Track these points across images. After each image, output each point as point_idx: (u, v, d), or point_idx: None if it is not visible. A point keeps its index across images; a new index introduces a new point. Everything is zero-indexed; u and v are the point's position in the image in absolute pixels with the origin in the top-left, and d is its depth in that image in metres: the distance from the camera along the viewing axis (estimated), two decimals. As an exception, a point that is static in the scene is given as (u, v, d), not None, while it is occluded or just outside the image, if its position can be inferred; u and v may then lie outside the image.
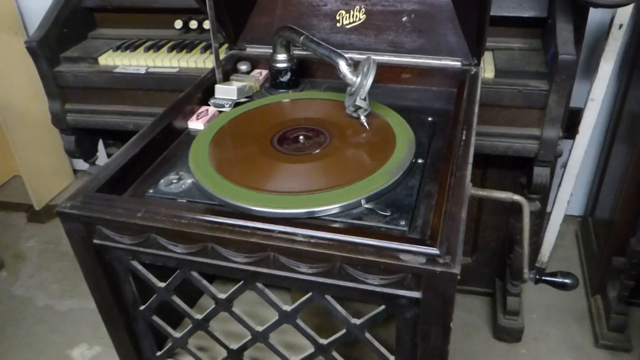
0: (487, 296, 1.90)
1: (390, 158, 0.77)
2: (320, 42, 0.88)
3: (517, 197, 0.84)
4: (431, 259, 0.58)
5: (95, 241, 0.71)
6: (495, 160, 1.54)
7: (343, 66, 0.83)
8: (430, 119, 0.89)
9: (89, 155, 1.78)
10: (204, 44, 1.58)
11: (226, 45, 1.19)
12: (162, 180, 0.78)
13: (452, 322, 0.60)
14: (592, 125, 1.65)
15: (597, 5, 1.20)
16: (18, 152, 2.21)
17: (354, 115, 0.84)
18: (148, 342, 0.83)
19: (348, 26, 1.01)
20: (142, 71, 1.51)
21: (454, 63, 0.98)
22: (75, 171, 2.57)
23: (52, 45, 1.55)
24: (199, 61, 1.49)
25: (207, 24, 1.57)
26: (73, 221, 0.70)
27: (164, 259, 0.70)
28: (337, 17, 1.01)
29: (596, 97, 1.60)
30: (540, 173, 1.38)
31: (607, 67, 1.55)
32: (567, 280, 0.73)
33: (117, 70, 1.53)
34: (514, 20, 1.36)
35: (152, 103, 1.54)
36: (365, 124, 0.84)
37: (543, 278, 0.78)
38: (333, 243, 0.60)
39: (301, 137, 0.83)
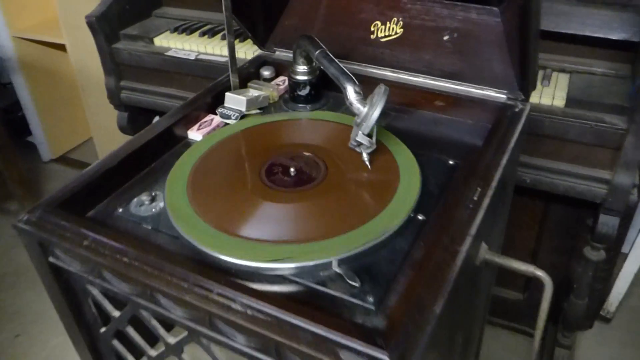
0: (537, 338, 1.71)
1: (384, 210, 0.66)
2: (334, 59, 0.77)
3: (539, 273, 0.69)
4: (375, 365, 0.47)
5: (50, 260, 0.67)
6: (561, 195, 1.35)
7: (350, 92, 0.72)
8: (451, 162, 0.76)
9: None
10: (258, 33, 1.50)
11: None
12: (134, 199, 0.72)
13: None
14: (689, 168, 1.40)
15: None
16: (91, 115, 2.28)
17: (357, 149, 0.73)
18: (111, 363, 0.79)
19: (383, 39, 0.89)
20: (192, 57, 1.47)
21: (498, 95, 0.83)
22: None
23: (111, 21, 1.54)
24: (249, 52, 1.42)
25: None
26: (27, 237, 0.66)
27: (114, 292, 0.64)
28: (372, 28, 0.89)
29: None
30: (606, 222, 1.19)
31: None
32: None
33: (169, 53, 1.50)
34: (599, 40, 1.16)
35: (199, 90, 1.49)
36: (368, 162, 0.72)
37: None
38: (270, 320, 0.51)
39: (292, 168, 0.73)
